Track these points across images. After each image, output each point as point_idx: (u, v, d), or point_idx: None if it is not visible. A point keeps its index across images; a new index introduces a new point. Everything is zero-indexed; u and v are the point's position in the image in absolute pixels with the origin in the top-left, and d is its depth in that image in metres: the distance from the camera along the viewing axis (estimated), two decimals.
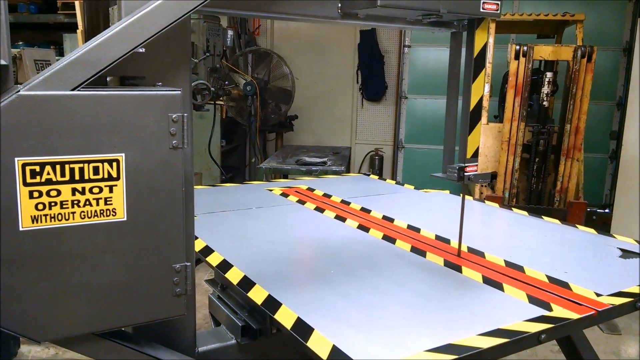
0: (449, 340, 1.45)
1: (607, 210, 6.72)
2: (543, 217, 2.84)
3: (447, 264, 2.09)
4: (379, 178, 4.08)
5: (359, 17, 1.79)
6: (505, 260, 2.12)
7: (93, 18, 4.26)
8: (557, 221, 2.76)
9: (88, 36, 4.46)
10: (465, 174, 1.99)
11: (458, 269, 2.04)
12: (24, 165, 1.23)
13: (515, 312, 1.66)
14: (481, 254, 2.20)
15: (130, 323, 1.46)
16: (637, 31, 5.23)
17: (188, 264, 1.48)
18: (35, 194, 1.25)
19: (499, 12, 1.81)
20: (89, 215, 1.32)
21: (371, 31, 7.56)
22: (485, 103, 5.19)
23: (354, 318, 1.60)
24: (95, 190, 1.32)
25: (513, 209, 3.10)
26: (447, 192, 3.39)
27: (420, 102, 7.67)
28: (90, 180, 1.31)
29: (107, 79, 1.54)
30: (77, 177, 1.29)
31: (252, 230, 2.48)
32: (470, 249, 2.24)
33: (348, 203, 3.02)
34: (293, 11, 1.70)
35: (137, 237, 1.38)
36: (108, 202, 1.34)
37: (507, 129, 4.93)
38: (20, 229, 1.25)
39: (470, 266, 2.06)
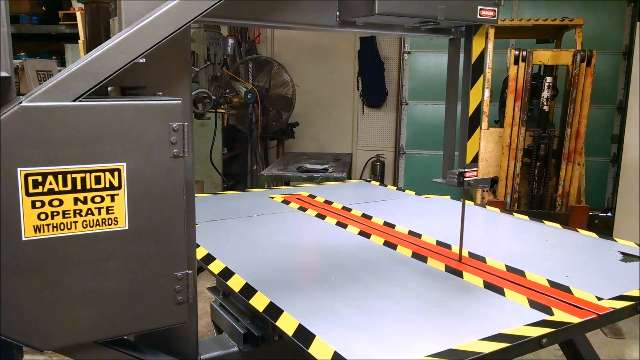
0: (450, 345, 1.45)
1: (609, 214, 6.71)
2: (544, 221, 2.84)
3: (448, 269, 2.10)
4: (380, 184, 4.09)
5: (357, 25, 1.80)
6: (506, 265, 2.13)
7: (94, 28, 4.29)
8: (557, 225, 2.77)
9: (89, 46, 4.48)
10: (465, 179, 2.00)
11: (459, 274, 2.04)
12: (26, 176, 1.24)
13: (516, 316, 1.66)
14: (482, 259, 2.20)
15: (133, 331, 1.47)
16: (636, 34, 5.25)
17: (190, 271, 1.49)
18: (38, 204, 1.26)
19: (496, 18, 1.82)
20: (91, 225, 1.33)
21: (371, 38, 7.59)
22: (486, 108, 5.21)
23: (355, 324, 1.60)
24: (97, 199, 1.33)
25: (514, 213, 3.11)
26: (448, 197, 3.40)
27: (421, 108, 7.69)
28: (92, 190, 1.32)
29: (109, 89, 1.56)
30: (79, 186, 1.30)
31: (253, 238, 2.49)
32: (471, 254, 2.25)
33: (349, 209, 3.02)
34: (292, 20, 1.72)
35: (139, 245, 1.39)
36: (110, 211, 1.35)
37: (507, 134, 4.93)
38: (23, 238, 1.26)
39: (471, 271, 2.07)
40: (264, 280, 1.92)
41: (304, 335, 1.52)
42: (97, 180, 1.32)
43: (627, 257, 2.26)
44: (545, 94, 5.00)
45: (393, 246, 2.37)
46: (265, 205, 3.13)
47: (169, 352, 1.66)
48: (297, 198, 3.30)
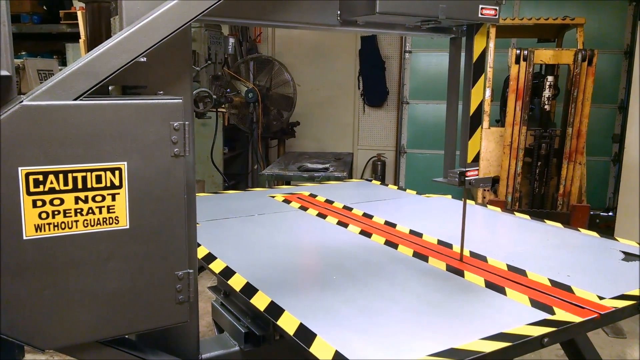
0: (451, 345, 1.45)
1: (610, 214, 6.70)
2: (545, 220, 2.84)
3: (450, 268, 2.09)
4: (381, 183, 4.08)
5: (358, 24, 1.80)
6: (507, 264, 2.12)
7: (95, 27, 4.29)
8: (559, 225, 2.76)
9: (90, 45, 4.49)
10: (466, 178, 2.00)
11: (460, 273, 2.04)
12: (27, 175, 1.24)
13: (517, 315, 1.66)
14: (483, 259, 2.20)
15: (134, 330, 1.46)
16: (637, 34, 5.24)
17: (190, 271, 1.49)
18: (39, 203, 1.26)
19: (497, 17, 1.82)
20: (92, 224, 1.33)
21: (372, 37, 7.58)
22: (487, 107, 5.20)
23: (356, 323, 1.60)
24: (98, 198, 1.33)
25: (515, 213, 3.10)
26: (449, 197, 3.39)
27: (422, 107, 7.68)
28: (93, 189, 1.32)
29: (109, 88, 1.56)
30: (80, 185, 1.30)
31: (254, 237, 2.49)
32: (472, 254, 2.25)
33: (350, 209, 3.02)
34: (293, 19, 1.72)
35: (140, 244, 1.39)
36: (111, 210, 1.35)
37: (508, 133, 4.93)
38: (24, 237, 1.26)
39: (472, 270, 2.06)
40: (264, 280, 1.92)
41: (305, 335, 1.52)
42: (98, 179, 1.32)
43: (628, 256, 2.26)
44: (547, 93, 4.99)
45: (394, 246, 2.37)
46: (266, 204, 3.13)
47: (170, 351, 1.66)
48: (298, 197, 3.30)
